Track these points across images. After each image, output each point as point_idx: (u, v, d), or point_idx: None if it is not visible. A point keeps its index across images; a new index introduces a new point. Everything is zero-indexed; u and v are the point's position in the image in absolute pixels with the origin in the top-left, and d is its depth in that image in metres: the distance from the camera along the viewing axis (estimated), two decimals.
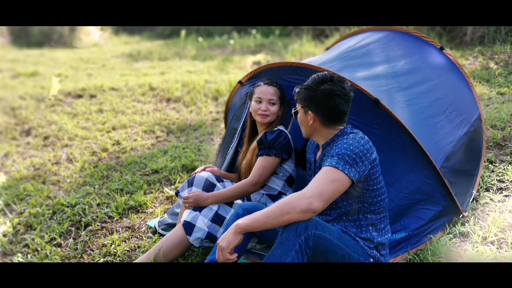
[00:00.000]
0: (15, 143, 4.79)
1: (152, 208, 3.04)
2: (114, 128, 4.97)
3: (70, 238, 2.75)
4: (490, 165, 3.05)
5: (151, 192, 3.27)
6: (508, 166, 3.00)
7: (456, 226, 2.38)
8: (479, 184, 2.79)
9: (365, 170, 1.78)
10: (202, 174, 2.43)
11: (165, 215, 2.83)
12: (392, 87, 2.55)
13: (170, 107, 5.71)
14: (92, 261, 2.48)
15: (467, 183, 2.66)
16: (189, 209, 2.30)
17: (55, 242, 2.72)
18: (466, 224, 2.42)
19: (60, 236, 2.79)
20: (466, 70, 5.18)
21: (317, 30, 9.13)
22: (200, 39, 11.54)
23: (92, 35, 12.75)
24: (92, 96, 6.40)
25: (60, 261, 2.51)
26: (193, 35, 12.06)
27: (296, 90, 1.97)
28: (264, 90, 2.41)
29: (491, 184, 2.82)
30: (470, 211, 2.53)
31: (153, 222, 2.80)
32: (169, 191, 3.25)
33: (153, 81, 6.82)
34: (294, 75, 2.49)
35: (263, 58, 8.00)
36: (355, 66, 2.67)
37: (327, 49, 3.71)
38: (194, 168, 3.56)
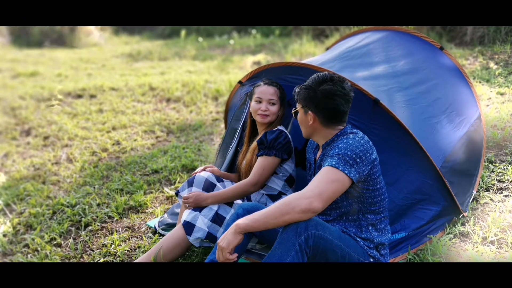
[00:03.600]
0: (15, 143, 4.79)
1: (152, 208, 3.04)
2: (114, 128, 4.97)
3: (70, 238, 2.75)
4: (490, 165, 3.05)
5: (151, 192, 3.27)
6: (508, 166, 3.00)
7: (456, 226, 2.38)
8: (479, 184, 2.79)
9: (365, 170, 1.78)
10: (202, 174, 2.43)
11: (165, 215, 2.83)
12: (392, 87, 2.55)
13: (170, 107, 5.72)
14: (92, 261, 2.48)
15: (467, 183, 2.66)
16: (189, 209, 2.31)
17: (55, 242, 2.72)
18: (466, 224, 2.42)
19: (60, 236, 2.79)
20: (466, 70, 5.18)
21: (317, 30, 9.13)
22: (200, 39, 11.54)
23: (92, 35, 12.75)
24: (92, 96, 6.40)
25: (60, 261, 2.51)
26: (193, 35, 12.08)
27: (296, 90, 1.97)
28: (264, 90, 2.41)
29: (491, 184, 2.82)
30: (470, 211, 2.53)
31: (153, 222, 2.80)
32: (169, 191, 3.25)
33: (153, 81, 6.82)
34: (294, 75, 2.49)
35: (263, 58, 8.00)
36: (355, 66, 2.67)
37: (327, 49, 3.71)
38: (194, 168, 3.56)
